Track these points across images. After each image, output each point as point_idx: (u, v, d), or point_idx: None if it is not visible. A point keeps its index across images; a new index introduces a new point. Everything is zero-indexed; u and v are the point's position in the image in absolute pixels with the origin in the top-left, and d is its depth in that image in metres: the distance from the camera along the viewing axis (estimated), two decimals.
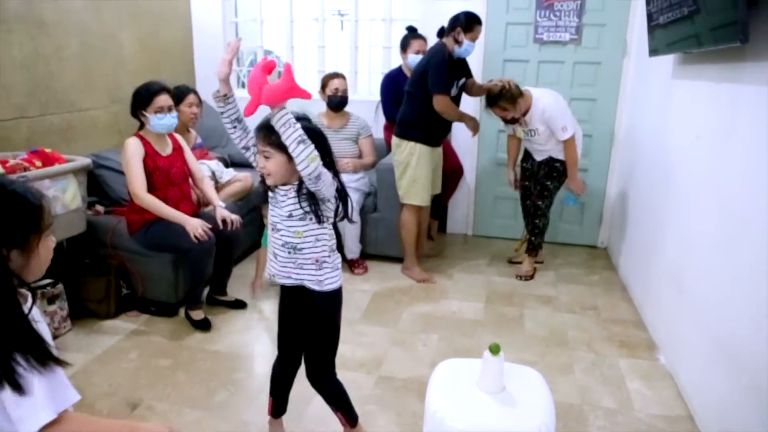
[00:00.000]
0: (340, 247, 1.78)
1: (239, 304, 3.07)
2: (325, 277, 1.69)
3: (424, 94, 3.19)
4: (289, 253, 1.66)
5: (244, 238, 3.67)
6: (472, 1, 3.79)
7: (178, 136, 2.95)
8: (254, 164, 1.69)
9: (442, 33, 3.31)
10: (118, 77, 3.62)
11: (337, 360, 2.29)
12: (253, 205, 3.67)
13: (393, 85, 3.78)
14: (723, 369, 1.96)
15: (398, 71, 3.83)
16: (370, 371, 2.46)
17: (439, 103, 3.16)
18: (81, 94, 3.36)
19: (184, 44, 4.42)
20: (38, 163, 2.56)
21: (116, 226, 2.87)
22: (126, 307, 2.94)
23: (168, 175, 2.78)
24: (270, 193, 1.69)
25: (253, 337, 2.80)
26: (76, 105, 3.32)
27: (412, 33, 3.71)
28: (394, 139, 3.37)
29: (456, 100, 3.34)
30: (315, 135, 1.59)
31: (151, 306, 2.93)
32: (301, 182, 1.60)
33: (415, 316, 3.00)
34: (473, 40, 3.20)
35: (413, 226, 3.43)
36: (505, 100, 3.19)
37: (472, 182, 4.28)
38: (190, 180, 2.94)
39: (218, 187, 3.42)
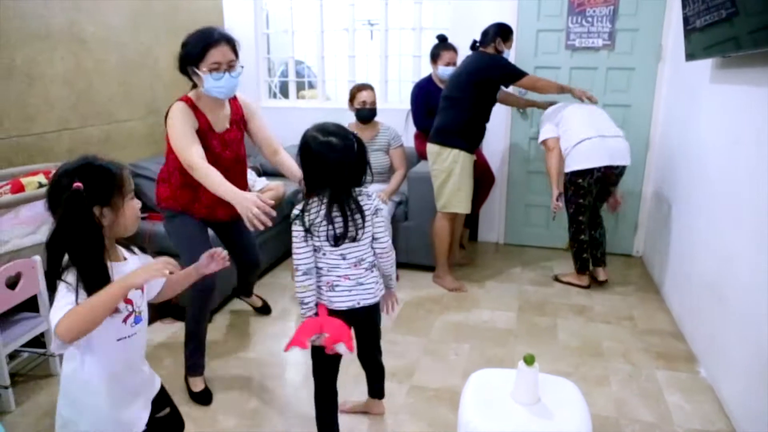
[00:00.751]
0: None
1: (264, 310, 3.09)
2: None
3: (465, 98, 3.20)
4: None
5: (276, 246, 3.73)
6: (503, 9, 3.79)
7: (242, 98, 2.35)
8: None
9: (474, 46, 3.33)
10: (154, 90, 3.72)
11: None
12: (285, 214, 3.71)
13: (423, 94, 3.79)
14: None
15: (428, 80, 3.84)
16: (401, 381, 2.45)
17: (536, 81, 3.29)
18: (119, 107, 3.46)
19: None
20: None
21: (152, 231, 2.93)
22: (162, 314, 3.00)
23: (218, 160, 2.19)
24: None
25: (284, 345, 2.82)
26: (114, 117, 3.42)
27: (443, 43, 3.71)
28: (434, 147, 3.32)
29: (491, 107, 3.34)
30: (360, 156, 1.73)
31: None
32: None
33: (446, 326, 2.98)
34: (509, 49, 3.32)
35: (447, 234, 3.41)
36: None
37: (504, 190, 4.24)
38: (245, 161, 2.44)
39: None
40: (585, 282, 3.43)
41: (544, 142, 3.34)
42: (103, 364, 1.33)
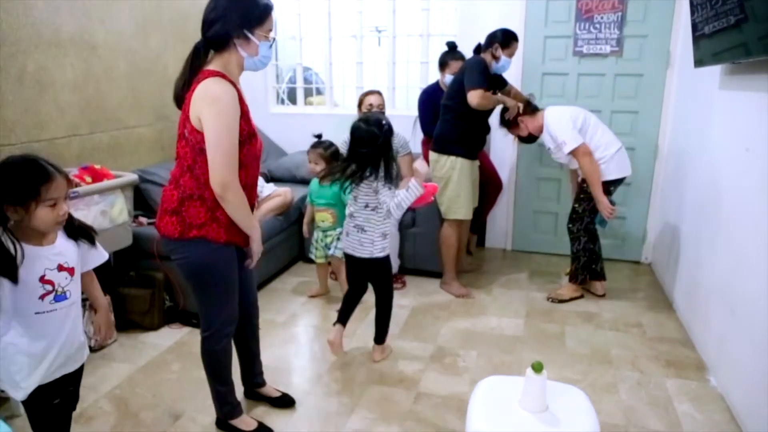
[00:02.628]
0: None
1: (286, 402, 2.31)
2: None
3: (460, 106, 3.18)
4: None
5: (283, 253, 3.74)
6: (511, 16, 3.79)
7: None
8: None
9: (479, 50, 3.32)
10: (162, 96, 3.75)
11: (376, 375, 2.34)
12: (293, 220, 3.71)
13: (430, 100, 3.79)
14: None
15: (435, 86, 3.84)
16: (408, 387, 2.44)
17: (475, 96, 3.08)
18: (128, 113, 3.48)
19: None
20: (88, 179, 2.65)
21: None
22: (170, 319, 3.00)
23: (254, 154, 1.86)
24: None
25: (293, 350, 2.82)
26: (123, 123, 3.44)
27: (452, 52, 3.71)
28: (432, 155, 3.37)
29: (487, 114, 3.32)
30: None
31: (192, 318, 2.98)
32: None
33: (453, 332, 2.97)
34: (510, 56, 3.24)
35: (454, 241, 3.41)
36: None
37: (511, 196, 4.23)
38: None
39: (258, 202, 3.48)
40: (580, 292, 3.40)
41: (577, 148, 3.09)
42: (23, 332, 1.51)
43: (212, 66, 1.77)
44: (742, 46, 2.14)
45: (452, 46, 3.73)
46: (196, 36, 1.81)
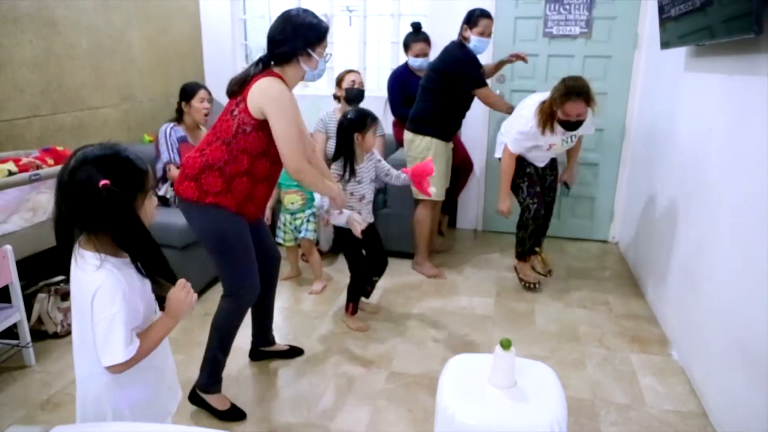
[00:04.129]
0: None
1: (297, 352, 2.55)
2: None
3: (439, 89, 3.18)
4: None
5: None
6: None
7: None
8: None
9: (418, 28, 3.33)
10: (127, 76, 3.64)
11: (348, 355, 2.37)
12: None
13: (399, 82, 3.77)
14: (738, 365, 1.94)
15: (404, 68, 3.83)
16: (380, 367, 2.46)
17: (488, 97, 3.21)
18: (91, 93, 3.38)
19: (192, 42, 4.43)
20: (50, 161, 2.58)
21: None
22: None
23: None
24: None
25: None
26: (86, 103, 3.34)
27: (415, 33, 3.69)
28: (408, 135, 3.35)
29: (470, 99, 3.32)
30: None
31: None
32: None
33: (425, 312, 3.00)
34: (481, 35, 3.15)
35: (428, 221, 3.42)
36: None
37: (482, 178, 4.27)
38: None
39: None
40: (542, 267, 3.49)
41: (505, 147, 3.14)
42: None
43: (274, 72, 2.00)
44: (706, 29, 2.18)
45: (416, 27, 3.71)
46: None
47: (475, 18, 3.13)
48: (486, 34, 3.17)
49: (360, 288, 2.83)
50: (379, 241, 2.83)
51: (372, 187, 2.72)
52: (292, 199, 3.22)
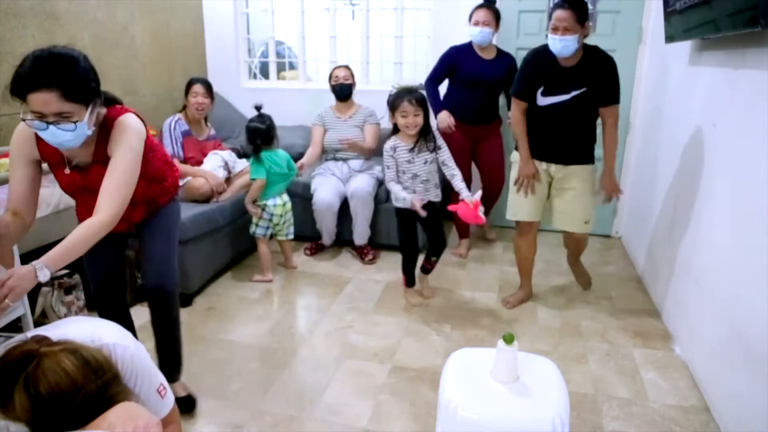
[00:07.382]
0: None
1: (187, 403, 2.15)
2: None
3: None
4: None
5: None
6: None
7: None
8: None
9: None
10: (130, 70, 3.64)
11: (350, 349, 2.36)
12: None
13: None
14: (740, 360, 1.93)
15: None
16: (383, 361, 2.47)
17: (512, 110, 2.83)
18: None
19: (195, 36, 4.42)
20: None
21: None
22: (141, 298, 2.96)
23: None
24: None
25: (266, 327, 2.81)
26: None
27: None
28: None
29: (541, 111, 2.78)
30: None
31: None
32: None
33: (428, 306, 3.00)
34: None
35: (520, 245, 3.29)
36: None
37: None
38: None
39: (231, 177, 3.43)
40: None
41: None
42: None
43: None
44: (711, 23, 2.16)
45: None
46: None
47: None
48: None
49: (411, 264, 3.02)
50: (437, 222, 2.92)
51: (427, 168, 2.79)
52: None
